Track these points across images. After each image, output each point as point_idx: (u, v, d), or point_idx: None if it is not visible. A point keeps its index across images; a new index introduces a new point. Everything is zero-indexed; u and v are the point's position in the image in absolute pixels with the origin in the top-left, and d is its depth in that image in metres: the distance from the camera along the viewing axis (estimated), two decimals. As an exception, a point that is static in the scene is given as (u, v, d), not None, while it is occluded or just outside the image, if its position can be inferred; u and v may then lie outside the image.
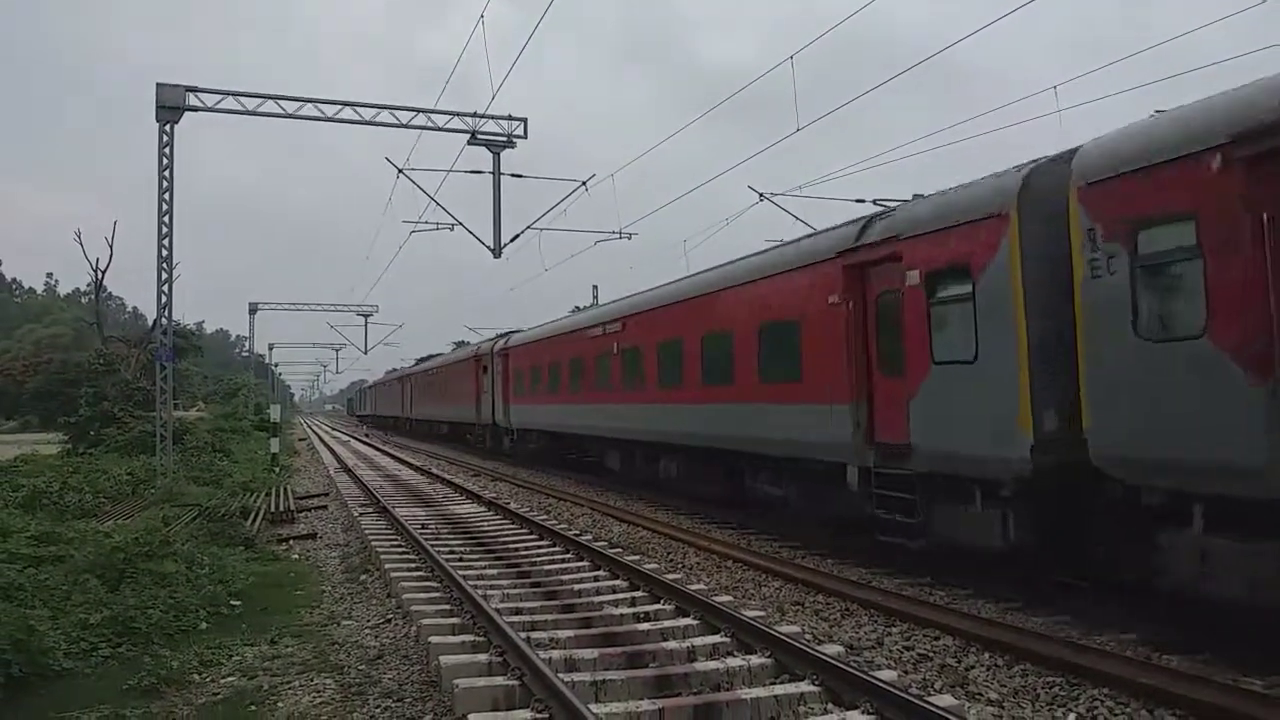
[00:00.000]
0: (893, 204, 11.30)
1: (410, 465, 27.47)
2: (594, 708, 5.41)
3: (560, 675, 5.89)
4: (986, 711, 5.85)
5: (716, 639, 7.09)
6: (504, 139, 20.80)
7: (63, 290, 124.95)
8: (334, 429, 73.89)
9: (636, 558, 10.83)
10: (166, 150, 18.53)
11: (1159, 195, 6.82)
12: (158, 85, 18.52)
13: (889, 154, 38.23)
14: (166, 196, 18.53)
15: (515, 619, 7.61)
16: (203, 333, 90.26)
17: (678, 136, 23.19)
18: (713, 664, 6.48)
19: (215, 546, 11.94)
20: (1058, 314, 7.75)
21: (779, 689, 5.97)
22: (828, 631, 7.83)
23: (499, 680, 6.12)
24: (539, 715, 5.53)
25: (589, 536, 12.56)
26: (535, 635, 7.11)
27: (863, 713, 5.48)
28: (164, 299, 18.93)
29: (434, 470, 25.05)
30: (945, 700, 5.73)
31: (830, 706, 5.76)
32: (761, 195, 19.91)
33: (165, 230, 18.54)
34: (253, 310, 59.67)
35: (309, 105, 19.42)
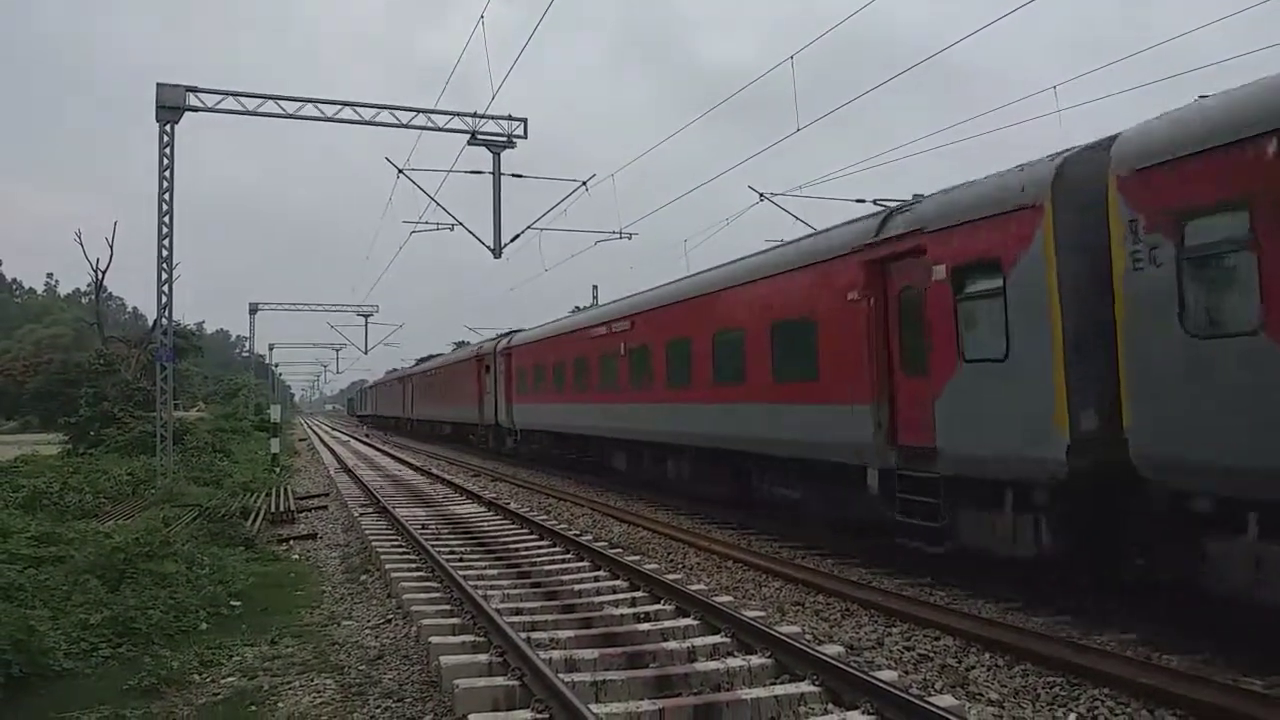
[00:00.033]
0: (893, 203, 11.22)
1: (410, 465, 27.47)
2: (594, 708, 5.41)
3: (560, 675, 5.89)
4: (987, 712, 5.85)
5: (717, 639, 7.09)
6: (504, 139, 20.79)
7: (63, 290, 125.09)
8: (334, 429, 73.90)
9: (637, 558, 10.83)
10: (166, 150, 18.52)
11: (1208, 183, 6.43)
12: (158, 85, 18.51)
13: (889, 154, 38.22)
14: (166, 197, 18.53)
15: (515, 619, 7.61)
16: (203, 333, 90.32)
17: (678, 136, 23.22)
18: (713, 664, 6.48)
19: (215, 547, 11.95)
20: (1095, 309, 7.35)
21: (779, 689, 5.97)
22: (828, 632, 7.83)
23: (499, 680, 6.12)
24: (539, 715, 5.53)
25: (589, 537, 12.56)
26: (535, 635, 7.12)
27: (863, 713, 5.48)
28: (164, 299, 18.92)
29: (434, 470, 25.05)
30: (946, 700, 5.73)
31: (830, 707, 5.76)
32: (762, 195, 19.91)
33: (165, 230, 18.53)
34: (253, 310, 59.69)
35: (309, 105, 19.42)
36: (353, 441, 48.09)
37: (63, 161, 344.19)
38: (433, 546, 11.08)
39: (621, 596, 8.77)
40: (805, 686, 5.95)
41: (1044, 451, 7.65)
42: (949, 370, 8.91)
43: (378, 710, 6.09)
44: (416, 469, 25.95)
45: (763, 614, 8.04)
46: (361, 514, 15.72)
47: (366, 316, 58.65)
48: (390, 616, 8.70)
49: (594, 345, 20.37)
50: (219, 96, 18.87)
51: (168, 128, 18.51)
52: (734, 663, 6.49)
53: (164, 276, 18.76)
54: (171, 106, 18.47)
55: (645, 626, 7.60)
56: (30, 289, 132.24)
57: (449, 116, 20.36)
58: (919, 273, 9.37)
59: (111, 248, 38.80)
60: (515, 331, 29.73)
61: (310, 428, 75.26)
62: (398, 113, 20.06)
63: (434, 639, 7.21)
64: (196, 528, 13.39)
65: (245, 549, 12.35)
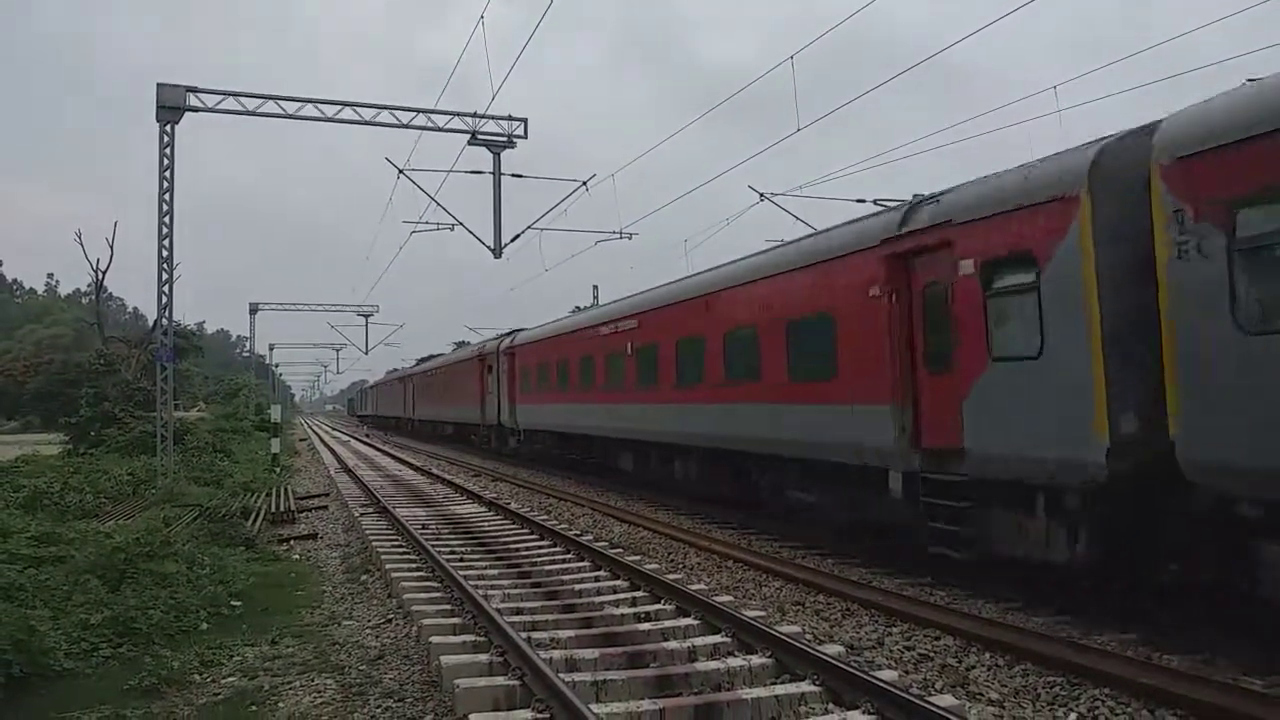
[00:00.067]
0: (893, 203, 11.18)
1: (411, 465, 27.48)
2: (595, 708, 5.41)
3: (561, 675, 5.89)
4: (987, 711, 5.85)
5: (717, 639, 7.09)
6: (504, 139, 20.80)
7: (63, 291, 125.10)
8: (334, 429, 73.93)
9: (637, 558, 10.83)
10: (167, 150, 18.53)
11: (1263, 169, 6.07)
12: (158, 85, 18.52)
13: (889, 154, 38.23)
14: (167, 197, 18.53)
15: (516, 619, 7.61)
16: (203, 333, 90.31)
17: (678, 136, 23.20)
18: (713, 664, 6.48)
19: (216, 547, 11.96)
20: (1136, 305, 6.99)
21: (780, 689, 5.97)
22: (828, 631, 7.83)
23: (500, 680, 6.12)
24: (540, 715, 5.53)
25: (590, 537, 12.56)
26: (536, 635, 7.12)
27: (863, 713, 5.48)
28: (164, 299, 18.93)
29: (434, 470, 25.06)
30: (946, 700, 5.73)
31: (831, 706, 5.76)
32: (762, 195, 19.93)
33: (165, 230, 18.54)
34: (253, 310, 59.74)
35: (309, 105, 19.43)
36: (353, 441, 48.11)
37: (63, 162, 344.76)
38: (433, 546, 11.08)
39: (622, 596, 8.77)
40: (806, 686, 5.95)
41: (1082, 454, 7.29)
42: (977, 369, 8.54)
43: (378, 710, 6.09)
44: (417, 469, 25.96)
45: (763, 614, 8.04)
46: (362, 514, 15.73)
47: (367, 317, 58.77)
48: (391, 616, 8.70)
49: (600, 344, 19.93)
50: (219, 96, 18.89)
51: (168, 128, 18.52)
52: (734, 662, 6.49)
53: (164, 276, 18.78)
54: (171, 106, 18.48)
55: (646, 626, 7.60)
56: (30, 289, 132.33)
57: (449, 116, 20.39)
58: (945, 267, 8.99)
59: (112, 248, 38.86)
60: (518, 331, 29.35)
61: (310, 428, 75.30)
62: (398, 113, 20.08)
63: (434, 639, 7.21)
64: (197, 528, 13.39)
65: (246, 549, 12.36)
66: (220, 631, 8.22)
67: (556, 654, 6.65)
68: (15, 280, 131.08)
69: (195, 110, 18.76)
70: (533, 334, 27.01)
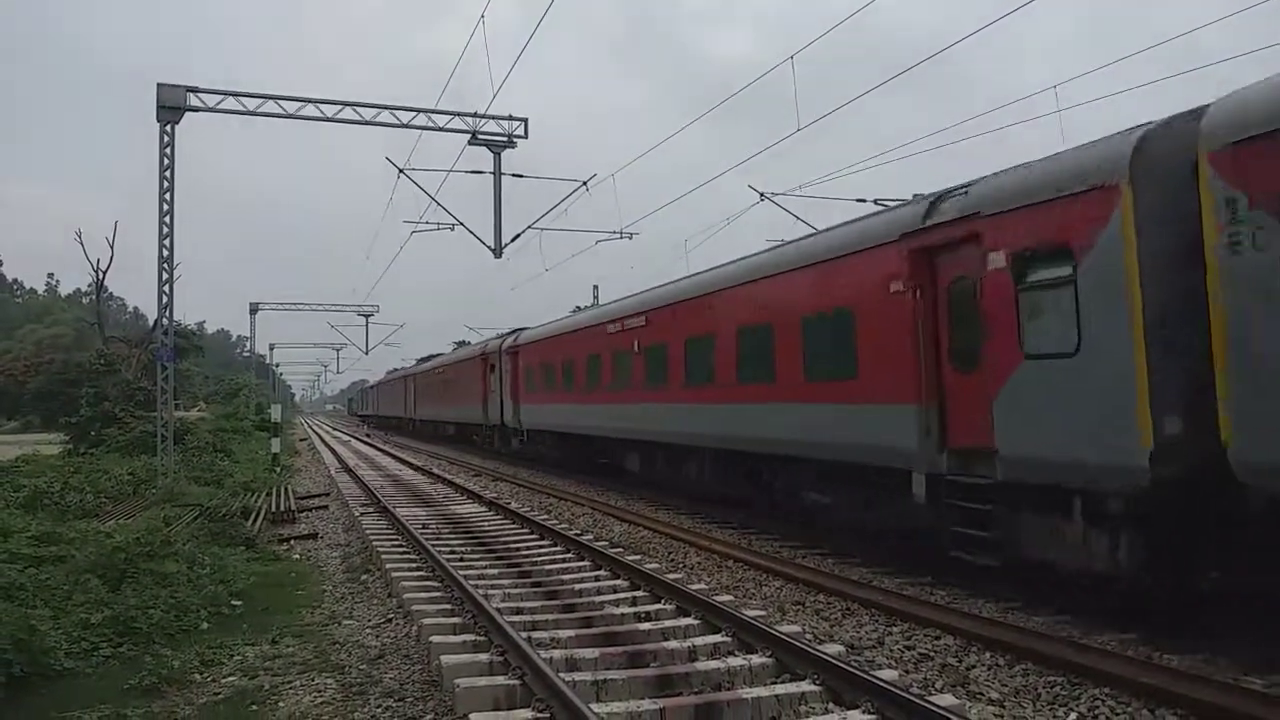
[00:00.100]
0: (893, 202, 11.15)
1: (411, 465, 27.48)
2: (595, 707, 5.41)
3: (561, 675, 5.89)
4: (988, 711, 5.85)
5: (717, 638, 7.09)
6: (504, 139, 20.81)
7: (64, 290, 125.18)
8: (335, 429, 73.96)
9: (637, 557, 10.83)
10: (167, 150, 18.54)
11: None
12: (158, 85, 18.53)
13: (889, 154, 38.26)
14: (167, 197, 18.53)
15: (516, 619, 7.61)
16: (204, 333, 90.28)
17: (678, 136, 23.20)
18: (714, 663, 6.48)
19: (216, 546, 11.96)
20: (1182, 299, 6.68)
21: (780, 688, 5.97)
22: (829, 631, 7.83)
23: (500, 680, 6.13)
24: (540, 715, 5.53)
25: (590, 536, 12.56)
26: (536, 635, 7.12)
27: (864, 712, 5.48)
28: (165, 299, 18.94)
29: (435, 470, 25.06)
30: (946, 700, 5.73)
31: (831, 706, 5.76)
32: (762, 195, 19.99)
33: (166, 230, 18.55)
34: (254, 310, 59.78)
35: (309, 105, 19.45)
36: (353, 441, 48.12)
37: (64, 162, 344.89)
38: (433, 546, 11.08)
39: (622, 596, 8.77)
40: (806, 686, 5.95)
41: (1123, 458, 6.93)
42: (1009, 366, 8.16)
43: (379, 710, 6.09)
44: (417, 469, 25.96)
45: (763, 613, 8.05)
46: (362, 514, 15.73)
47: (367, 316, 58.87)
48: (391, 616, 8.70)
49: (606, 342, 19.49)
50: (219, 97, 18.90)
51: (168, 128, 18.53)
52: (735, 662, 6.49)
53: (164, 276, 18.78)
54: (172, 107, 18.49)
55: (646, 626, 7.61)
56: (31, 289, 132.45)
57: (449, 116, 20.40)
58: (973, 261, 8.64)
59: (112, 248, 38.95)
60: (521, 329, 28.84)
61: (311, 427, 75.34)
62: (398, 113, 20.08)
63: (435, 638, 7.21)
64: (197, 527, 13.40)
65: (246, 548, 12.36)
66: (221, 631, 8.22)
67: (557, 653, 6.65)
68: (16, 280, 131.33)
69: (196, 110, 18.77)
70: (537, 332, 26.38)
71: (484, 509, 16.02)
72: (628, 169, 31.46)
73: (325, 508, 18.06)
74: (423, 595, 8.86)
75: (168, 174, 18.55)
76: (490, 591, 8.75)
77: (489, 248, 21.64)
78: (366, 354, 63.86)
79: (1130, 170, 7.01)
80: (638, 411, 17.65)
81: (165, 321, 19.44)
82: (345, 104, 19.80)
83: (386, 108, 20.11)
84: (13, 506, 14.23)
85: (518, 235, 22.57)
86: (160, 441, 19.60)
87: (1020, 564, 8.15)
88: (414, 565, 10.62)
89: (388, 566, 10.54)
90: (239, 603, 9.21)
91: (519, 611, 8.09)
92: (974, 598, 8.78)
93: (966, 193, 9.03)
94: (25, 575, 8.80)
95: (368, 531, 13.43)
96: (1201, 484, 6.54)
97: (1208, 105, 6.68)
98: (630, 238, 28.05)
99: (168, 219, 18.55)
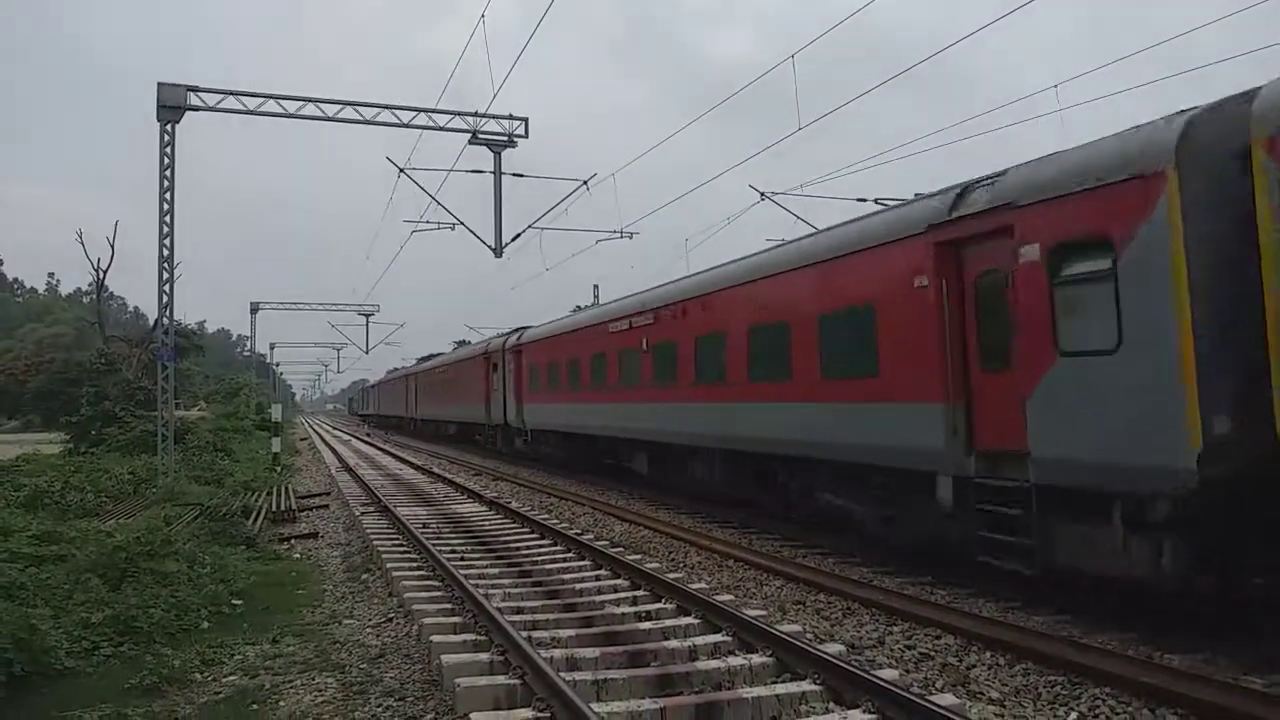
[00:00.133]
0: (892, 202, 11.09)
1: (412, 465, 27.49)
2: (595, 706, 5.41)
3: (562, 674, 5.89)
4: (988, 710, 5.85)
5: (718, 638, 7.09)
6: (505, 138, 20.81)
7: (64, 290, 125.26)
8: (335, 429, 74.00)
9: (638, 557, 10.83)
10: (167, 150, 18.54)
11: None
12: (159, 84, 18.52)
13: (889, 154, 38.18)
14: (167, 196, 18.54)
15: (516, 618, 7.61)
16: (204, 332, 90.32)
17: (678, 136, 23.20)
18: (714, 663, 6.49)
19: (217, 546, 11.97)
20: (1233, 292, 6.41)
21: (780, 688, 5.97)
22: (829, 630, 7.83)
23: (500, 679, 6.13)
24: (541, 714, 5.53)
25: (590, 535, 12.56)
26: (537, 634, 7.12)
27: (864, 712, 5.48)
28: (165, 298, 18.94)
29: (435, 470, 25.07)
30: (947, 699, 5.73)
31: (832, 705, 5.76)
32: (763, 194, 19.98)
33: (166, 230, 18.55)
34: (254, 309, 59.79)
35: (310, 105, 19.44)
36: (354, 441, 48.14)
37: (64, 162, 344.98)
38: (434, 545, 11.08)
39: (623, 595, 8.78)
40: (806, 685, 5.95)
41: (1169, 457, 6.58)
42: (1043, 364, 7.81)
43: (379, 709, 6.10)
44: (417, 468, 25.97)
45: (764, 613, 8.05)
46: (363, 513, 15.74)
47: (367, 316, 58.87)
48: (391, 615, 8.71)
49: (613, 341, 19.03)
50: (220, 96, 18.89)
51: (169, 127, 18.53)
52: (735, 661, 6.49)
53: (165, 276, 18.78)
54: (172, 106, 18.48)
55: (646, 625, 7.61)
56: (31, 288, 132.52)
57: (450, 116, 20.39)
58: (1003, 254, 8.31)
59: (113, 247, 39.00)
60: (525, 328, 28.42)
61: (311, 427, 75.38)
62: (399, 112, 20.07)
63: (435, 638, 7.22)
64: (198, 527, 13.41)
65: (246, 548, 12.36)
66: (221, 630, 8.23)
67: (557, 653, 6.65)
68: (16, 279, 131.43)
69: (196, 110, 18.77)
70: (542, 331, 25.88)
71: (484, 508, 16.02)
72: (628, 169, 31.44)
73: (326, 507, 18.06)
74: (423, 594, 8.86)
75: (168, 173, 18.55)
76: (491, 591, 8.75)
77: (489, 247, 21.65)
78: (367, 353, 63.95)
79: (1177, 156, 6.70)
80: (646, 411, 17.33)
81: (166, 321, 19.44)
82: (346, 103, 19.79)
83: (387, 107, 20.11)
84: (13, 506, 14.25)
85: (518, 235, 22.60)
86: (161, 441, 19.60)
87: (1054, 570, 7.80)
88: (414, 564, 10.62)
89: (388, 566, 10.54)
90: (239, 602, 9.21)
91: (519, 611, 8.09)
92: (974, 597, 8.79)
93: (996, 183, 8.71)
94: (26, 574, 8.81)
95: (368, 531, 13.44)
96: (1253, 484, 6.29)
97: (1259, 88, 6.47)
98: (630, 237, 28.10)
99: (168, 218, 18.56)
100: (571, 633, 7.32)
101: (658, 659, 6.62)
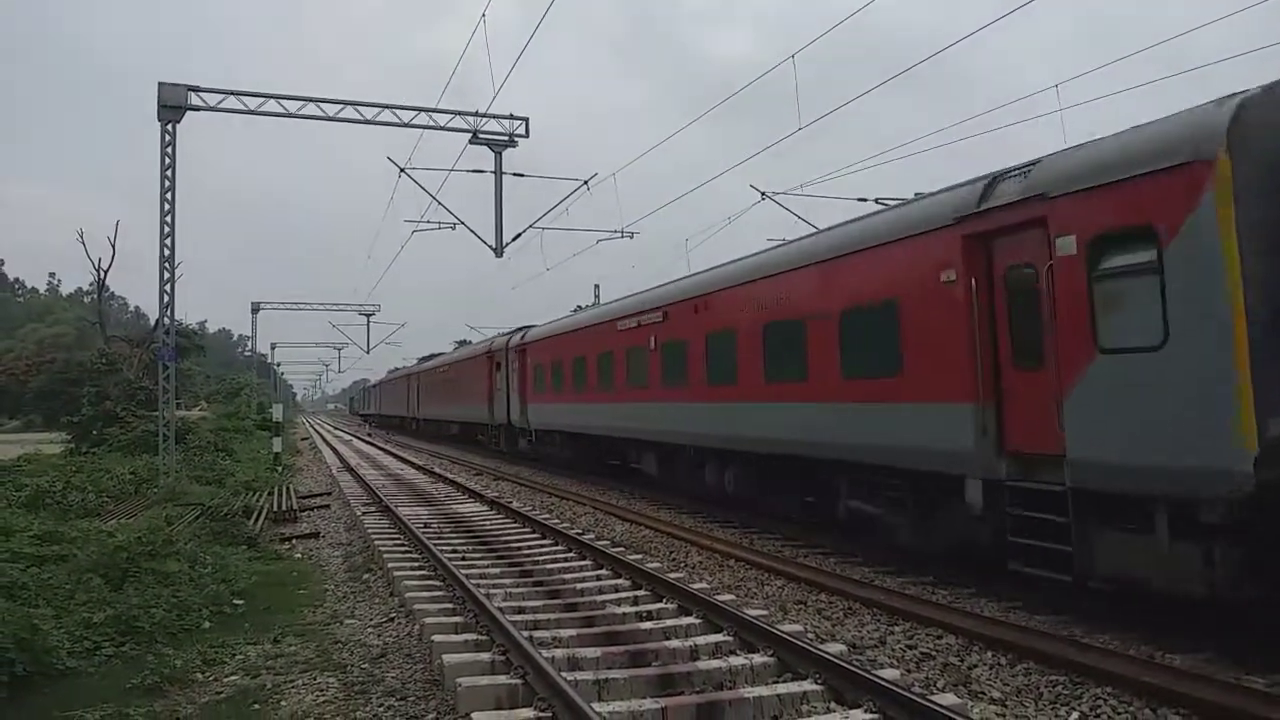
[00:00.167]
0: (892, 201, 11.03)
1: (413, 464, 27.50)
2: (597, 706, 5.41)
3: (563, 674, 5.89)
4: (989, 710, 5.85)
5: (719, 638, 7.09)
6: (506, 138, 20.82)
7: (65, 290, 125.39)
8: (336, 428, 74.03)
9: (639, 556, 10.84)
10: (168, 150, 18.55)
11: None
12: (159, 84, 18.53)
13: (889, 153, 38.21)
14: (168, 196, 18.55)
15: (518, 618, 7.61)
16: (205, 332, 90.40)
17: (678, 136, 23.20)
18: (715, 662, 6.49)
19: (218, 546, 11.98)
20: None
21: (781, 688, 5.97)
22: (830, 630, 7.83)
23: (502, 679, 6.13)
24: (542, 714, 5.53)
25: (591, 535, 12.56)
26: (538, 634, 7.12)
27: (865, 711, 5.48)
28: (166, 298, 18.95)
29: (436, 469, 25.08)
30: (948, 699, 5.73)
31: (833, 705, 5.76)
32: (763, 194, 19.98)
33: (167, 230, 18.56)
34: (255, 309, 59.87)
35: (310, 105, 19.45)
36: (355, 441, 48.16)
37: (65, 162, 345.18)
38: (435, 545, 11.09)
39: (624, 595, 8.78)
40: (808, 685, 5.95)
41: (1222, 459, 6.24)
42: (1082, 363, 7.42)
43: (380, 709, 6.10)
44: (419, 468, 25.97)
45: (765, 612, 8.05)
46: (364, 513, 15.75)
47: (368, 316, 58.94)
48: (393, 615, 8.71)
49: (621, 339, 18.54)
50: (220, 96, 18.90)
51: (169, 127, 18.53)
52: (736, 661, 6.49)
53: (166, 276, 18.79)
54: (173, 106, 18.49)
55: (647, 625, 7.61)
56: (32, 288, 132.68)
57: (450, 116, 20.41)
58: (1036, 247, 7.94)
59: (113, 247, 39.01)
60: (529, 326, 28.10)
61: (312, 427, 75.42)
62: (399, 112, 20.09)
63: (437, 637, 7.22)
64: (199, 526, 13.42)
65: (248, 548, 12.37)
66: (223, 630, 8.23)
67: (558, 653, 6.65)
68: (17, 279, 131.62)
69: (197, 109, 18.77)
70: (547, 329, 25.46)
71: (485, 508, 16.03)
72: (628, 168, 31.41)
73: (327, 507, 18.07)
74: (424, 594, 8.87)
75: (169, 173, 18.56)
76: (492, 591, 8.75)
77: (490, 247, 21.66)
78: (368, 353, 64.02)
79: (1229, 139, 6.36)
80: (655, 411, 16.95)
81: (166, 321, 19.47)
82: (346, 103, 19.80)
83: (388, 107, 20.12)
84: (15, 506, 14.25)
85: (519, 234, 22.62)
86: (162, 441, 19.61)
87: (1092, 577, 7.42)
88: (416, 564, 10.62)
89: (389, 565, 10.54)
90: (241, 602, 9.22)
91: (521, 611, 8.09)
92: (976, 597, 8.79)
93: (1027, 174, 8.31)
94: (27, 574, 8.81)
95: (369, 530, 13.44)
96: None
97: None
98: (631, 237, 28.09)
99: (169, 218, 18.57)
100: (573, 632, 7.32)
101: (659, 659, 6.62)
